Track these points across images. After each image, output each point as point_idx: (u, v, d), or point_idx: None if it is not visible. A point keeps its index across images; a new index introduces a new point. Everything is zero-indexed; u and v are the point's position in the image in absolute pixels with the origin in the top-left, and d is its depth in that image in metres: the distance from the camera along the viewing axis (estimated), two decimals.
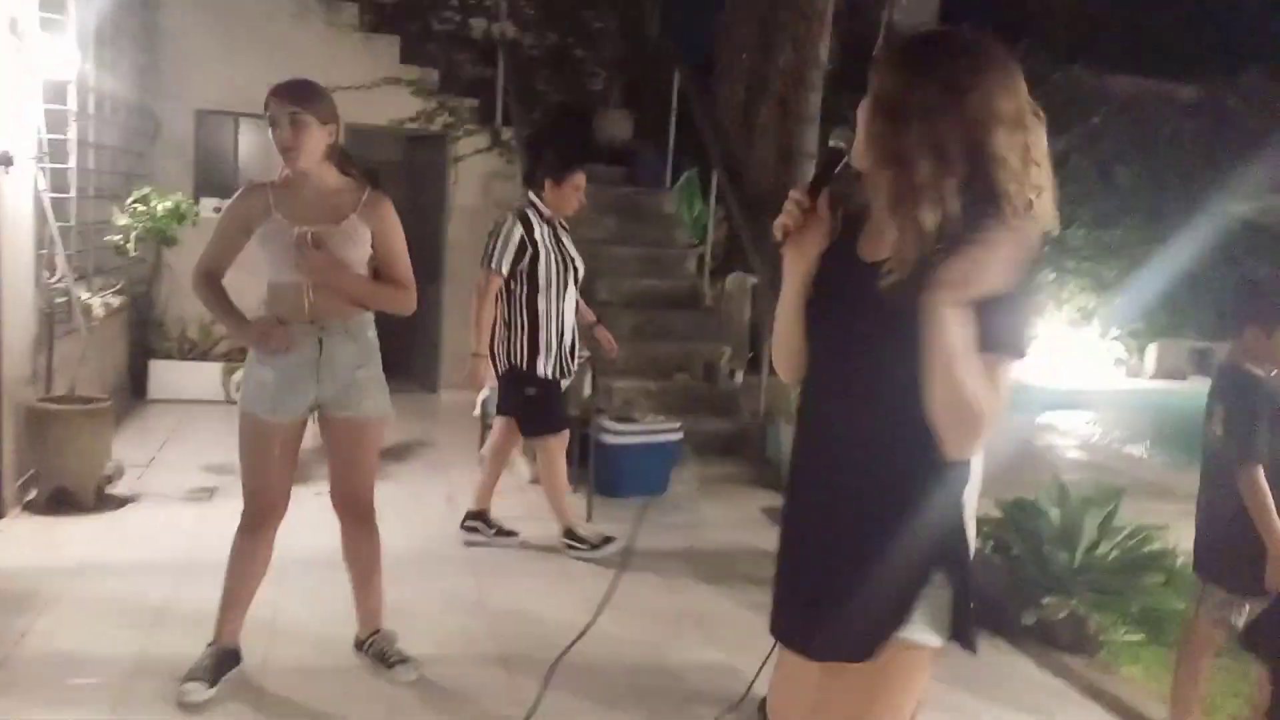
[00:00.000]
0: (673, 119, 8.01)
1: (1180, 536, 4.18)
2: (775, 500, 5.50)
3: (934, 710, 2.43)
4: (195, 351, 6.96)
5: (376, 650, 3.19)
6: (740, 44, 8.67)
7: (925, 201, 1.46)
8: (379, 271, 2.98)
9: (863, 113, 1.57)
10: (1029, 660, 3.61)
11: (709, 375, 6.40)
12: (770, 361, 6.43)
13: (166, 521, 4.46)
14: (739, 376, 6.93)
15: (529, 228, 4.27)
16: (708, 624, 3.76)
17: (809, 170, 8.41)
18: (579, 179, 4.39)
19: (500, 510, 4.91)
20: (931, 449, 1.49)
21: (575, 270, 4.42)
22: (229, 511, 4.50)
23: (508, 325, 4.32)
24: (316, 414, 3.00)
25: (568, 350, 4.41)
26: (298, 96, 2.80)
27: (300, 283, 2.82)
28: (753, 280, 7.44)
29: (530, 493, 5.36)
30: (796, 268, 1.67)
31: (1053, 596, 3.59)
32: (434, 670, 3.21)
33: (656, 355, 6.55)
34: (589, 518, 4.88)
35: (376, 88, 7.35)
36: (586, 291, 6.91)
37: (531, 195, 4.39)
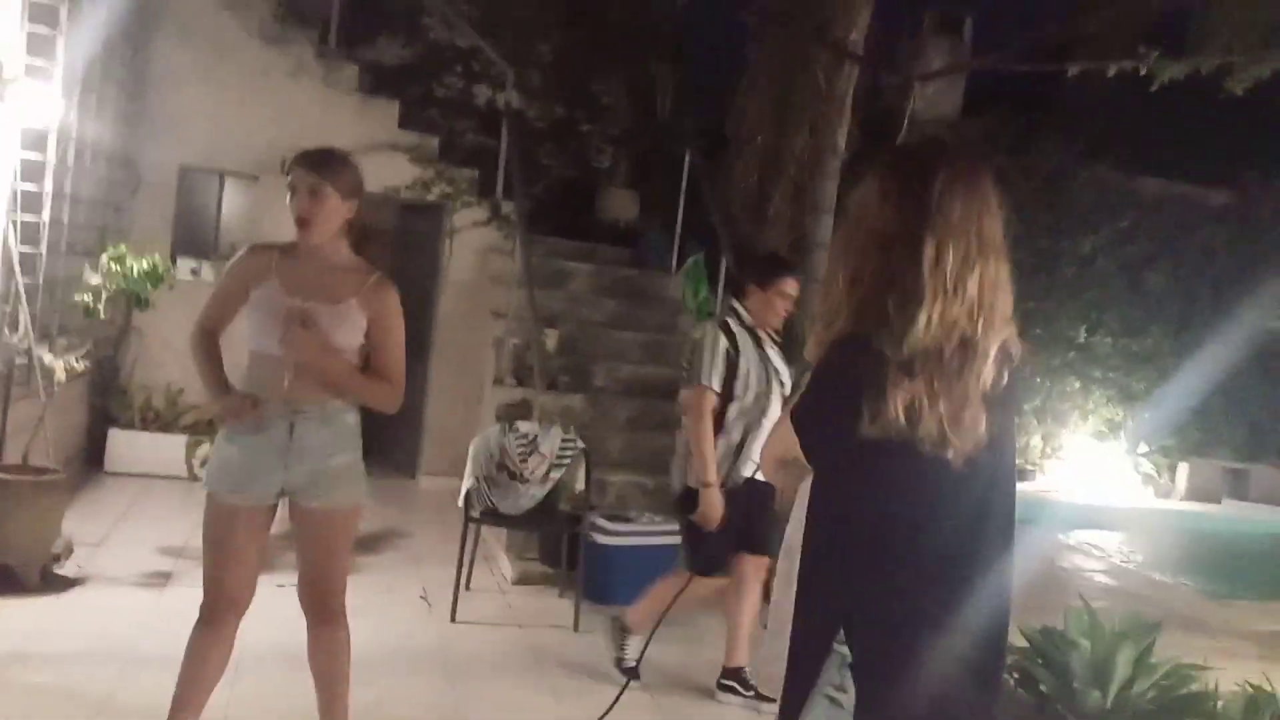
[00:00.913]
0: (681, 200, 8.13)
1: (1220, 677, 4.12)
2: None
3: None
4: (159, 422, 6.89)
5: None
6: (755, 125, 8.84)
7: None
8: (368, 361, 2.94)
9: None
10: None
11: None
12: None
13: (116, 606, 4.35)
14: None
15: (730, 336, 4.10)
16: None
17: (821, 260, 8.50)
18: (788, 285, 4.16)
19: (474, 611, 4.81)
20: None
21: (781, 384, 4.16)
22: (184, 599, 4.43)
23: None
24: (286, 502, 2.95)
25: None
26: (321, 165, 2.81)
27: (282, 357, 2.80)
28: None
29: (512, 594, 5.26)
30: None
31: None
32: None
33: (654, 448, 6.50)
34: (576, 626, 4.78)
35: (373, 152, 7.44)
36: (583, 375, 6.95)
37: (734, 302, 4.28)
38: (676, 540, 5.38)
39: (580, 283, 7.84)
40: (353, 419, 2.97)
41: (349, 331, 2.86)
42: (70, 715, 3.27)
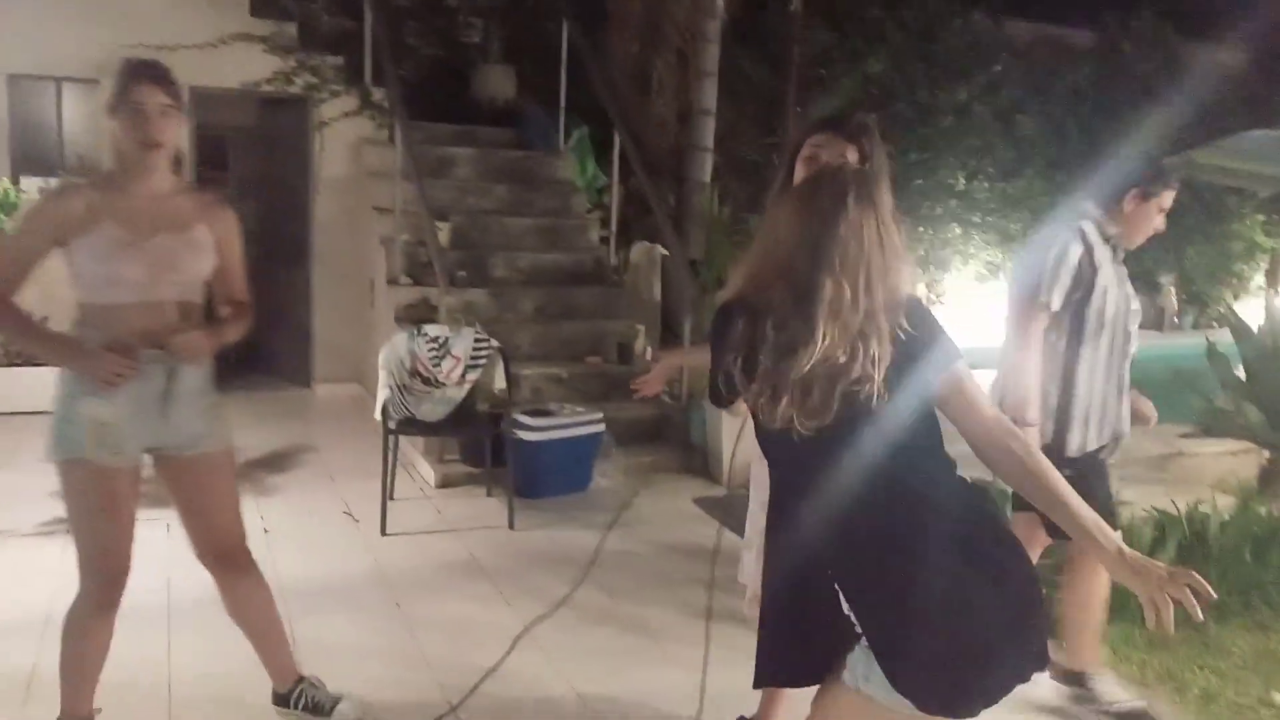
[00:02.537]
0: (563, 74, 7.80)
1: (1130, 506, 4.34)
2: (706, 489, 5.46)
3: None
4: (24, 356, 6.40)
5: (307, 701, 2.97)
6: None
7: None
8: (213, 288, 2.78)
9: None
10: None
11: (623, 357, 6.27)
12: (688, 339, 6.31)
13: (22, 564, 4.06)
14: (649, 354, 6.83)
15: (1089, 249, 3.10)
16: (661, 638, 3.65)
17: (707, 128, 8.33)
18: (1168, 199, 3.23)
19: (403, 522, 4.69)
20: None
21: (1137, 315, 3.28)
22: None
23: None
24: (152, 458, 2.71)
25: (1115, 418, 3.22)
26: (168, 81, 2.54)
27: (153, 303, 2.56)
28: (661, 250, 7.34)
29: (437, 499, 5.15)
30: None
31: None
32: (370, 710, 3.01)
33: (564, 337, 6.39)
34: (511, 524, 4.71)
35: (224, 45, 6.88)
36: (481, 268, 6.70)
37: (1091, 207, 3.18)
38: (599, 430, 5.34)
39: (465, 169, 7.50)
40: (207, 361, 2.76)
41: (203, 259, 2.67)
42: (3, 697, 3.03)
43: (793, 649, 1.87)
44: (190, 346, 2.60)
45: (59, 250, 2.56)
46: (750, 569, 2.75)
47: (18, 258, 2.58)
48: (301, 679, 3.01)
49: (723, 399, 1.85)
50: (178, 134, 2.61)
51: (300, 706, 2.97)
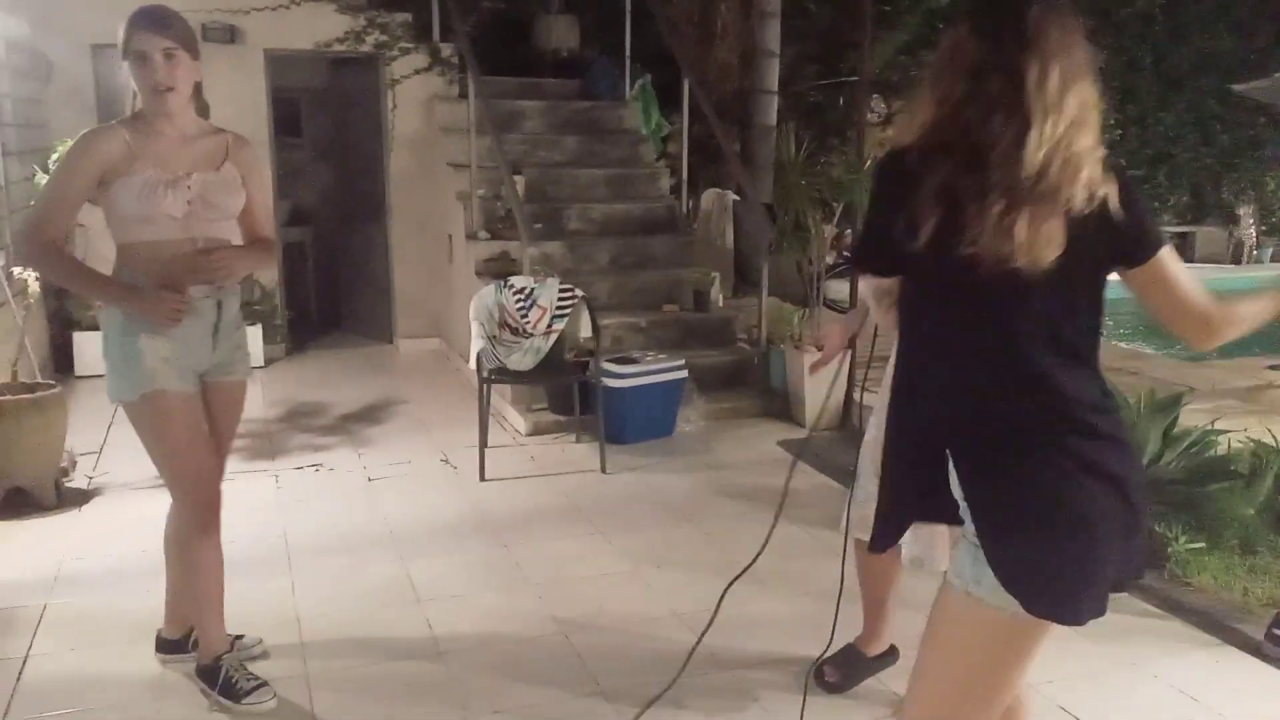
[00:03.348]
0: (628, 21, 7.78)
1: (1228, 438, 4.32)
2: (788, 432, 5.52)
3: None
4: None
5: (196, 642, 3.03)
6: None
7: None
8: (240, 224, 2.88)
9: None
10: None
11: (700, 304, 6.32)
12: (766, 284, 6.29)
13: (136, 514, 4.25)
14: (721, 301, 6.86)
15: None
16: (755, 572, 3.73)
17: (771, 71, 8.26)
18: None
19: (499, 469, 4.82)
20: None
21: None
22: None
23: None
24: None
25: None
26: (168, 25, 2.59)
27: (192, 239, 2.67)
28: (732, 195, 7.35)
29: (529, 446, 5.28)
30: None
31: None
32: (496, 647, 3.15)
33: (640, 286, 6.45)
34: (603, 468, 4.83)
35: (295, 6, 6.97)
36: (555, 220, 6.77)
37: None
38: (682, 376, 5.42)
39: (533, 122, 7.55)
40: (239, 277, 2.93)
41: (236, 195, 2.78)
42: (134, 635, 3.21)
43: (905, 511, 1.88)
44: (222, 264, 2.70)
45: (98, 191, 2.63)
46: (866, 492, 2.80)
47: (64, 199, 2.63)
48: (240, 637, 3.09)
49: (878, 264, 1.82)
50: (190, 74, 2.64)
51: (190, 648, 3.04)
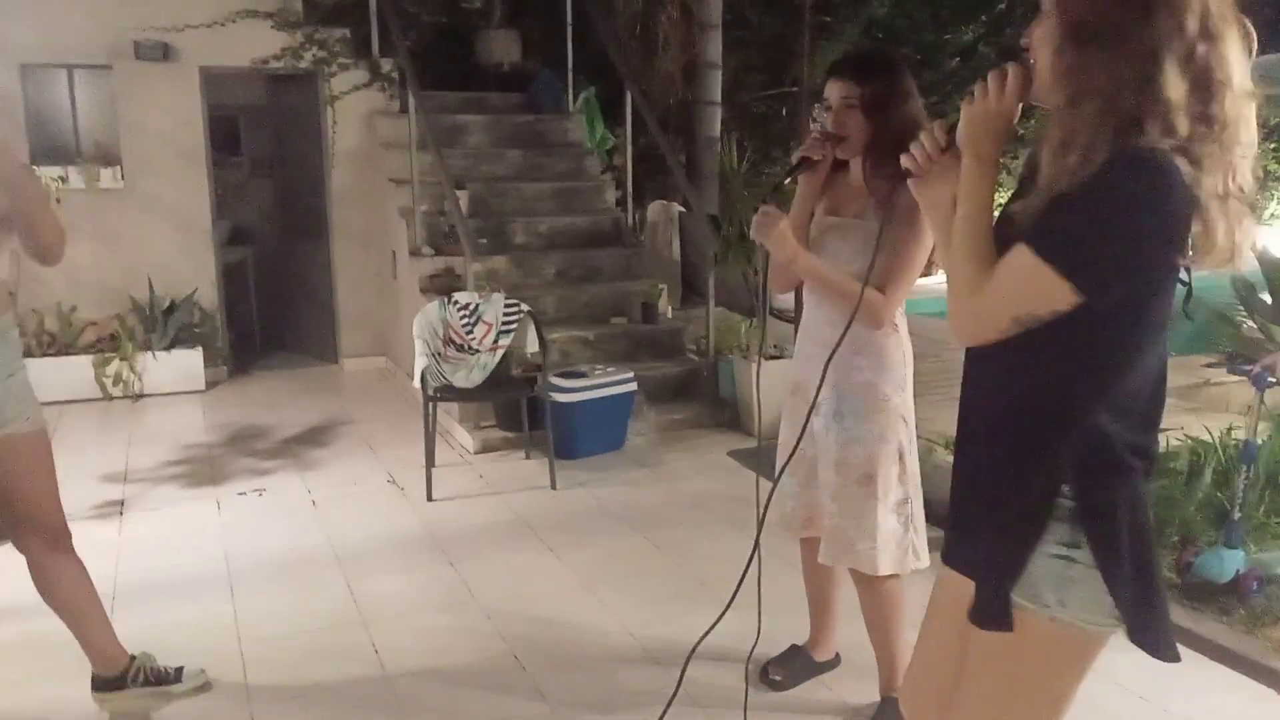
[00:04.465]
0: (569, 34, 7.80)
1: (1172, 437, 4.42)
2: (738, 442, 5.55)
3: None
4: (57, 345, 6.51)
5: (147, 675, 2.93)
6: None
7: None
8: None
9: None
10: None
11: (648, 316, 6.34)
12: (713, 295, 6.23)
13: (80, 544, 4.15)
14: (669, 312, 6.90)
15: None
16: (709, 583, 3.75)
17: (714, 82, 8.34)
18: None
19: (447, 488, 4.79)
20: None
21: None
22: (145, 525, 4.33)
23: None
24: None
25: None
26: None
27: None
28: (678, 207, 7.39)
29: (477, 464, 5.25)
30: (930, 215, 1.67)
31: None
32: (444, 667, 3.13)
33: (588, 299, 6.45)
34: (553, 485, 4.82)
35: (231, 24, 6.90)
36: (500, 235, 6.76)
37: None
38: (631, 389, 5.43)
39: (477, 137, 7.54)
40: (15, 334, 2.68)
41: None
42: (79, 666, 3.14)
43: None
44: None
45: None
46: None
47: None
48: (133, 658, 2.95)
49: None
50: None
51: (141, 682, 2.92)
